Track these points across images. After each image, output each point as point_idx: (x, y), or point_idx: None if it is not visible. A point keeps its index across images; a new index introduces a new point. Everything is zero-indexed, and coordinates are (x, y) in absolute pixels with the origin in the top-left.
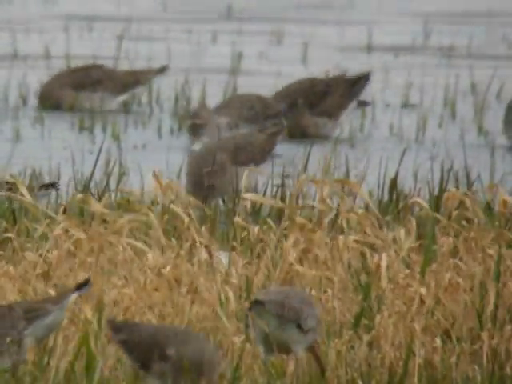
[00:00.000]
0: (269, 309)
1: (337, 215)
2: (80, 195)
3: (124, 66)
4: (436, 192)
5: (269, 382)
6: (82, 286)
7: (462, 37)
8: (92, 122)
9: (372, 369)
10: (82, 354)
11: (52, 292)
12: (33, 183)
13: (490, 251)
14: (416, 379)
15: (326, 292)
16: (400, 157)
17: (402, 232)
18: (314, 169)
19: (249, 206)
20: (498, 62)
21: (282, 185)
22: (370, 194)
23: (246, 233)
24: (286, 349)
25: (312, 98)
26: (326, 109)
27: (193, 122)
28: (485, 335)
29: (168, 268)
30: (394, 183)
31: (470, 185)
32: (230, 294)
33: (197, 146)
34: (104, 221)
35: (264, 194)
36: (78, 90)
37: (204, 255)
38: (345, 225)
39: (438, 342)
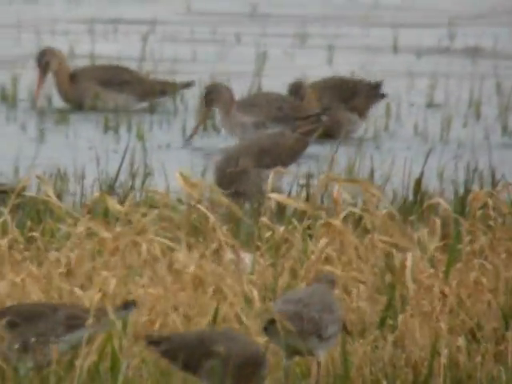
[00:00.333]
0: (287, 324)
1: (361, 215)
2: (96, 194)
3: (149, 67)
4: (461, 192)
5: (294, 382)
6: (128, 305)
7: (487, 37)
8: (117, 122)
9: (397, 369)
10: (106, 354)
11: (77, 291)
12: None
13: None
14: (441, 379)
15: (351, 292)
16: (425, 157)
17: (425, 232)
18: (340, 168)
19: (273, 205)
20: None
21: (307, 185)
22: (395, 193)
23: (270, 233)
24: (307, 354)
25: (344, 95)
26: (356, 106)
27: (207, 93)
28: (509, 335)
29: (193, 268)
30: (418, 183)
31: (494, 185)
32: (255, 294)
33: (220, 144)
34: (129, 221)
35: (289, 194)
36: (105, 87)
37: (229, 255)
38: (369, 225)
39: (463, 341)
